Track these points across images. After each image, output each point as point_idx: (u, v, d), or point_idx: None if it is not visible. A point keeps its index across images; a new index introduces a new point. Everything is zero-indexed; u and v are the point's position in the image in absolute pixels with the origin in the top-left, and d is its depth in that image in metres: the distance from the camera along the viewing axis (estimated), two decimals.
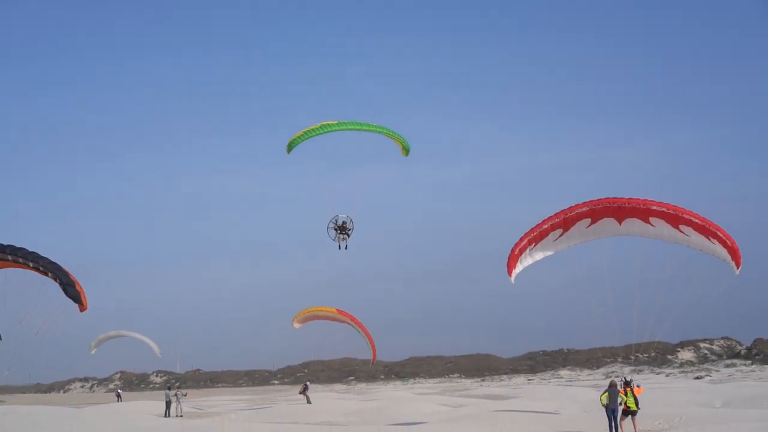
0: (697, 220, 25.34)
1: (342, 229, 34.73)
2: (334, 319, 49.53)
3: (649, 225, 25.49)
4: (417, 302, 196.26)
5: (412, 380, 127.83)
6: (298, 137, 32.24)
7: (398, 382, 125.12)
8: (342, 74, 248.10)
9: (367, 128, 32.74)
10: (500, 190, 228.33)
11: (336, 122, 32.13)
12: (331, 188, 33.34)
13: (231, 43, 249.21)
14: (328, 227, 35.05)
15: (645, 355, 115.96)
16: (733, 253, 25.77)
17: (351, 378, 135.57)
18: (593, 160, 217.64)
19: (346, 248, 36.25)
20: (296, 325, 50.01)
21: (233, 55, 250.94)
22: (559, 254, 28.03)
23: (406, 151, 33.26)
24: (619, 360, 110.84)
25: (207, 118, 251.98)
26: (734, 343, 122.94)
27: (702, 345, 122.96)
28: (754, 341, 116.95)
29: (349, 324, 49.07)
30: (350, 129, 32.65)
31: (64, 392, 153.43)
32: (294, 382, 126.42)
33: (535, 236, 26.39)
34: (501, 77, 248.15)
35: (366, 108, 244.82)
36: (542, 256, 27.09)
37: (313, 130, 32.10)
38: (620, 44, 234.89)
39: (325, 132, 32.45)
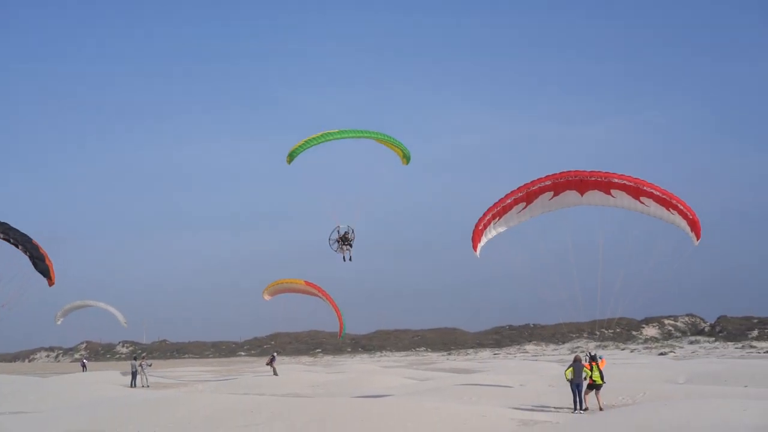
0: (657, 193, 25.57)
1: (344, 240, 34.59)
2: (303, 291, 49.54)
3: (609, 196, 25.69)
4: (385, 276, 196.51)
5: (378, 353, 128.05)
6: (299, 147, 32.17)
7: (365, 355, 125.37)
8: (316, 48, 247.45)
9: (368, 136, 32.61)
10: (470, 164, 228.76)
11: (337, 131, 32.04)
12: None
13: (204, 13, 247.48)
14: (330, 239, 34.91)
15: (610, 330, 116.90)
16: (693, 225, 26.04)
17: (318, 350, 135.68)
18: (565, 135, 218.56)
19: (350, 260, 36.19)
20: (266, 297, 50.07)
21: (205, 26, 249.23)
22: (524, 230, 28.16)
23: (407, 159, 33.14)
24: (585, 335, 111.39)
25: (179, 89, 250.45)
26: (698, 320, 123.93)
27: (666, 322, 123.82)
28: (718, 318, 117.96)
29: (318, 296, 49.13)
30: (351, 137, 32.53)
31: (29, 361, 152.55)
32: (261, 354, 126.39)
33: (499, 211, 26.47)
34: (473, 51, 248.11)
35: (339, 79, 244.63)
36: (506, 229, 27.21)
37: (313, 139, 32.01)
38: (593, 22, 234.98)
39: (326, 141, 32.35)
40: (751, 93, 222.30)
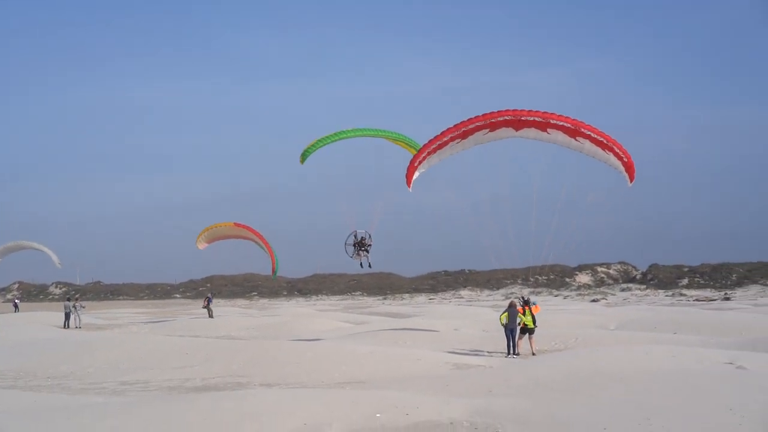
0: (594, 134, 25.78)
1: (361, 245, 34.18)
2: (235, 235, 49.19)
3: (545, 133, 25.83)
4: (321, 219, 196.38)
5: (314, 297, 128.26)
6: (312, 147, 31.82)
7: (301, 299, 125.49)
8: None
9: (381, 135, 32.24)
10: (411, 111, 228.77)
11: (350, 130, 31.74)
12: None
13: None
14: (345, 243, 34.50)
15: (544, 277, 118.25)
16: (628, 167, 26.36)
17: (254, 293, 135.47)
18: (506, 84, 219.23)
19: (369, 266, 35.84)
20: (200, 246, 49.50)
21: None
22: (460, 175, 28.25)
23: (414, 149, 32.72)
24: (519, 282, 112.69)
25: (116, 29, 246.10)
26: (630, 268, 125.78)
27: (599, 269, 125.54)
28: (650, 267, 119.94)
29: (250, 238, 48.87)
30: (363, 135, 32.20)
31: None
32: (196, 297, 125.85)
33: (435, 148, 26.46)
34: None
35: (275, 20, 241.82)
36: (438, 161, 27.22)
37: (326, 138, 31.68)
38: None
39: (338, 140, 32.02)
40: (685, 46, 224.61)
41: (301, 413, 14.85)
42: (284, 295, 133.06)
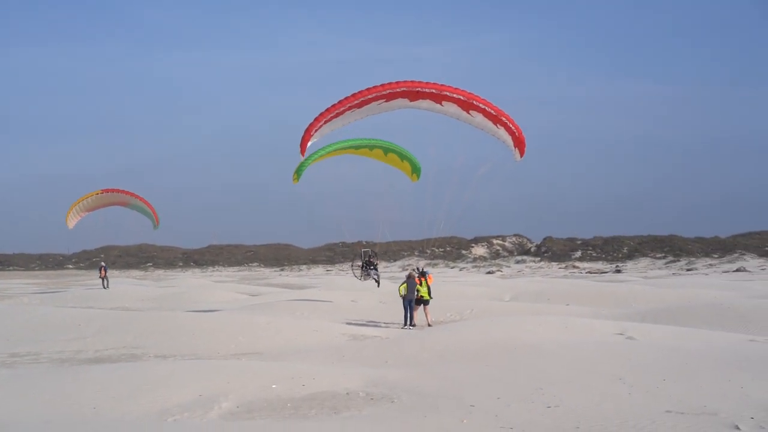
0: (487, 108, 26.04)
1: (369, 264, 33.54)
2: (107, 204, 47.86)
3: (440, 105, 26.02)
4: (217, 189, 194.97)
5: (210, 268, 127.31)
6: (304, 164, 30.63)
7: (197, 270, 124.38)
8: None
9: (374, 146, 31.08)
10: (307, 81, 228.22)
11: (342, 144, 30.60)
12: None
13: None
14: (352, 267, 33.81)
15: (440, 249, 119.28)
16: (519, 142, 26.73)
17: (149, 264, 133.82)
18: (401, 56, 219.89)
19: (378, 285, 35.26)
20: (71, 224, 47.75)
21: None
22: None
23: (417, 174, 31.83)
24: (416, 253, 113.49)
25: None
26: (525, 240, 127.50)
27: (495, 241, 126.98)
28: (544, 239, 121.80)
29: (122, 201, 47.77)
30: (354, 153, 31.20)
31: None
32: (90, 267, 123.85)
33: (332, 117, 26.40)
34: None
35: None
36: (330, 130, 27.17)
37: (316, 154, 30.52)
38: None
39: (330, 156, 30.98)
40: (578, 23, 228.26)
41: (196, 385, 14.76)
42: (180, 266, 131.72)
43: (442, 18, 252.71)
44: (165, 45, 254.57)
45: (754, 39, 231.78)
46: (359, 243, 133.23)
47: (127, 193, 47.12)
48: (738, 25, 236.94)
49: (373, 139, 31.09)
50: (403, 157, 31.44)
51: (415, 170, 31.61)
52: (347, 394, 14.41)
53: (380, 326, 27.19)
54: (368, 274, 33.63)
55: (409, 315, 26.78)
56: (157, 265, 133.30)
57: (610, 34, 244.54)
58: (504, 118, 26.39)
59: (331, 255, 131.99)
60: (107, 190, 46.92)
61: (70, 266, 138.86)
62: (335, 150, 31.06)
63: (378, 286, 35.49)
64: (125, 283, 64.27)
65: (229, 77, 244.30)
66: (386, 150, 31.46)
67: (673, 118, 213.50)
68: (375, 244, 33.35)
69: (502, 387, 14.32)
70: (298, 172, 30.97)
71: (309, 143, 26.88)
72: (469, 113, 26.17)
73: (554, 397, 13.43)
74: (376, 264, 33.97)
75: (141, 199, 47.61)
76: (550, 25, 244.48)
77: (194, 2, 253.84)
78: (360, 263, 34.02)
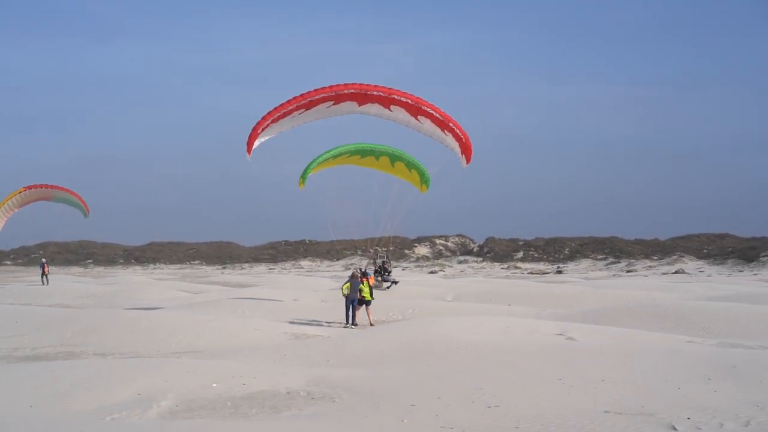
0: (435, 114, 26.12)
1: (383, 270, 33.08)
2: (32, 200, 47.22)
3: (388, 110, 26.02)
4: (160, 186, 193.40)
5: (152, 265, 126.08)
6: (308, 169, 30.10)
7: (138, 267, 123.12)
8: None
9: (383, 154, 30.42)
10: (253, 78, 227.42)
11: (354, 148, 30.05)
12: None
13: None
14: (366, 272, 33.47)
15: (384, 248, 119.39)
16: (465, 148, 26.86)
17: (89, 261, 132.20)
18: (349, 54, 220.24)
19: (388, 288, 34.87)
20: None
21: None
22: (303, 147, 28.20)
23: (426, 185, 31.25)
24: (359, 253, 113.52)
25: None
26: (468, 240, 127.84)
27: (438, 241, 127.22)
28: (486, 240, 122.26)
29: (47, 196, 47.14)
30: (362, 165, 30.63)
31: None
32: (28, 264, 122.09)
33: (279, 116, 26.28)
34: None
35: None
36: (278, 132, 27.04)
37: (327, 155, 30.00)
38: None
39: (337, 164, 30.45)
40: (531, 22, 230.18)
41: (135, 383, 14.62)
42: (120, 264, 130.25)
43: (396, 16, 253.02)
44: (109, 38, 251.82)
45: (697, 43, 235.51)
46: (302, 242, 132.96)
47: (50, 186, 46.54)
48: (686, 29, 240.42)
49: (379, 145, 30.61)
50: (411, 166, 30.98)
51: (424, 180, 31.17)
52: (288, 393, 14.36)
53: (322, 325, 27.15)
54: (381, 283, 33.45)
55: (351, 314, 26.78)
56: (97, 262, 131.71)
57: (564, 35, 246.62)
58: (452, 124, 26.49)
59: (274, 253, 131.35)
60: (30, 187, 46.31)
61: (8, 262, 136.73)
62: (340, 155, 30.74)
63: (388, 288, 35.26)
64: (65, 280, 63.51)
65: (175, 73, 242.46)
66: (393, 158, 30.90)
67: (612, 120, 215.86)
68: (380, 239, 33.05)
69: (443, 387, 14.36)
70: (303, 176, 30.64)
71: (256, 142, 26.73)
72: (417, 119, 26.20)
73: (494, 397, 13.50)
74: (390, 270, 33.68)
75: (66, 190, 47.06)
76: (499, 25, 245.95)
77: None
78: (373, 268, 33.76)
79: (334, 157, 30.84)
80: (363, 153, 30.94)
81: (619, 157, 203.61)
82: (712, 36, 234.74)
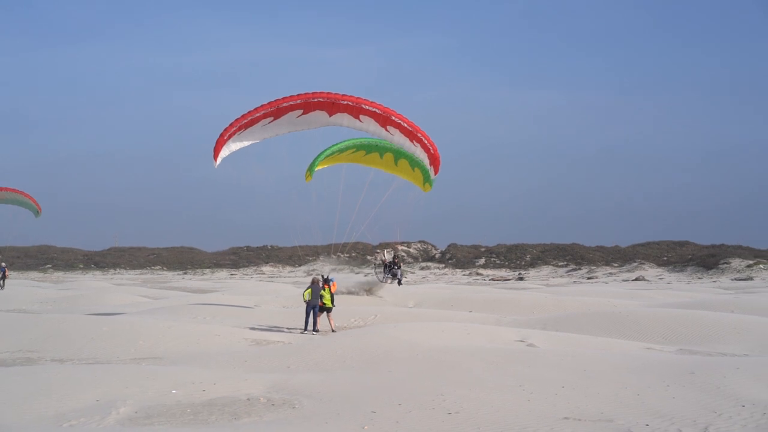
0: (404, 124, 26.13)
1: (393, 264, 32.76)
2: None
3: (357, 120, 25.97)
4: (120, 190, 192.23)
5: (112, 270, 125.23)
6: (315, 162, 29.72)
7: (98, 272, 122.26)
8: None
9: (387, 152, 29.99)
10: (214, 81, 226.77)
11: (360, 142, 29.67)
12: None
13: None
14: (375, 270, 33.08)
15: (346, 254, 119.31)
16: (434, 159, 26.91)
17: (48, 266, 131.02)
18: (312, 58, 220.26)
19: (399, 284, 34.52)
20: None
21: None
22: (274, 150, 28.04)
23: (430, 184, 30.84)
24: (321, 258, 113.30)
25: None
26: (430, 246, 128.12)
27: (400, 247, 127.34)
28: (448, 246, 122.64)
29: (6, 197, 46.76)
30: (368, 160, 30.27)
31: None
32: None
33: (246, 123, 26.14)
34: None
35: None
36: (250, 143, 26.92)
37: (333, 149, 29.63)
38: None
39: (345, 160, 30.09)
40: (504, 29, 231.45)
41: (93, 389, 14.51)
42: (80, 269, 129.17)
43: (352, 22, 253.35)
44: (68, 39, 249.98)
45: (646, 49, 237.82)
46: (264, 247, 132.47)
47: (5, 189, 46.13)
48: (628, 35, 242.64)
49: (383, 141, 30.24)
50: (414, 164, 30.62)
51: (428, 179, 30.89)
52: (248, 399, 14.31)
53: (283, 331, 27.06)
54: (393, 275, 33.35)
55: (313, 320, 26.72)
56: (56, 267, 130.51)
57: (512, 42, 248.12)
58: (420, 134, 26.54)
59: (235, 259, 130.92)
60: None
61: None
62: (347, 149, 30.52)
63: (399, 285, 35.12)
64: (23, 285, 62.88)
65: (136, 75, 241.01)
66: (398, 156, 30.49)
67: (574, 126, 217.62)
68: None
69: (403, 393, 14.37)
70: (311, 170, 30.48)
71: (225, 150, 26.56)
72: (387, 129, 26.18)
73: (455, 403, 13.53)
74: (400, 265, 33.56)
75: (13, 190, 46.63)
76: (461, 31, 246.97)
77: None
78: (385, 262, 33.63)
79: (341, 151, 30.73)
80: (368, 149, 30.79)
81: (580, 164, 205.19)
82: (671, 44, 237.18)
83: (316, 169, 30.96)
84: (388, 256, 34.22)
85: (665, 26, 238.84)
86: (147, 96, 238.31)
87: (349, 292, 39.27)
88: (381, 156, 31.02)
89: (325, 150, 30.49)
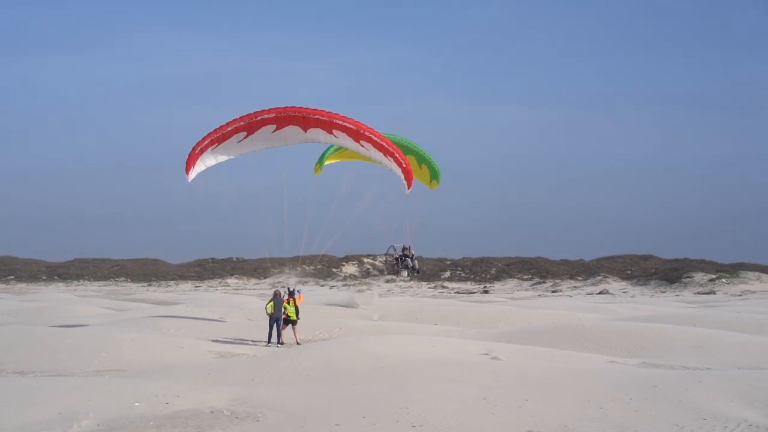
0: (376, 138, 26.17)
1: (405, 257, 32.52)
2: None
3: (332, 136, 25.97)
4: (83, 201, 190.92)
5: (75, 282, 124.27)
6: (325, 156, 29.38)
7: (61, 284, 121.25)
8: None
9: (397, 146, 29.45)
10: (179, 94, 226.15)
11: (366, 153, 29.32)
12: None
13: None
14: (387, 262, 32.75)
15: (311, 267, 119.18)
16: (406, 173, 26.97)
17: (11, 277, 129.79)
18: (284, 71, 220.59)
19: (417, 272, 34.22)
20: None
21: None
22: (241, 161, 27.93)
23: (437, 180, 30.47)
24: (286, 271, 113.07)
25: None
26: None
27: (365, 260, 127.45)
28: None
29: None
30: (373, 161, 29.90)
31: None
32: None
33: (218, 137, 26.04)
34: None
35: None
36: (226, 158, 26.83)
37: (337, 154, 29.33)
38: None
39: (351, 158, 29.73)
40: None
41: (55, 402, 14.40)
42: (44, 280, 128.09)
43: (318, 34, 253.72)
44: (29, 51, 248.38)
45: (602, 67, 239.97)
46: (229, 259, 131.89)
47: None
48: (596, 54, 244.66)
49: (391, 135, 29.64)
50: (421, 160, 30.30)
51: (434, 175, 30.44)
52: (212, 412, 14.26)
53: (248, 344, 26.97)
54: (405, 266, 33.22)
55: (277, 333, 26.64)
56: (19, 279, 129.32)
57: (480, 59, 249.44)
58: (392, 149, 26.59)
59: (200, 271, 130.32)
60: None
61: None
62: (354, 154, 30.26)
63: (417, 272, 34.94)
64: None
65: (97, 87, 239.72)
66: (405, 152, 29.86)
67: (538, 141, 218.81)
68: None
69: (368, 406, 14.38)
70: (320, 163, 30.20)
71: (200, 165, 26.44)
72: (360, 143, 26.20)
73: (419, 416, 13.55)
74: (413, 253, 33.42)
75: None
76: (424, 46, 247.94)
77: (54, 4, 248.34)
78: (396, 255, 33.49)
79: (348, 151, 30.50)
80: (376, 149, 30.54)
81: (545, 178, 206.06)
82: (625, 61, 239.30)
83: (325, 163, 30.80)
84: (398, 250, 34.14)
85: (627, 44, 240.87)
86: (110, 107, 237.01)
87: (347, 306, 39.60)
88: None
89: (332, 146, 30.25)
